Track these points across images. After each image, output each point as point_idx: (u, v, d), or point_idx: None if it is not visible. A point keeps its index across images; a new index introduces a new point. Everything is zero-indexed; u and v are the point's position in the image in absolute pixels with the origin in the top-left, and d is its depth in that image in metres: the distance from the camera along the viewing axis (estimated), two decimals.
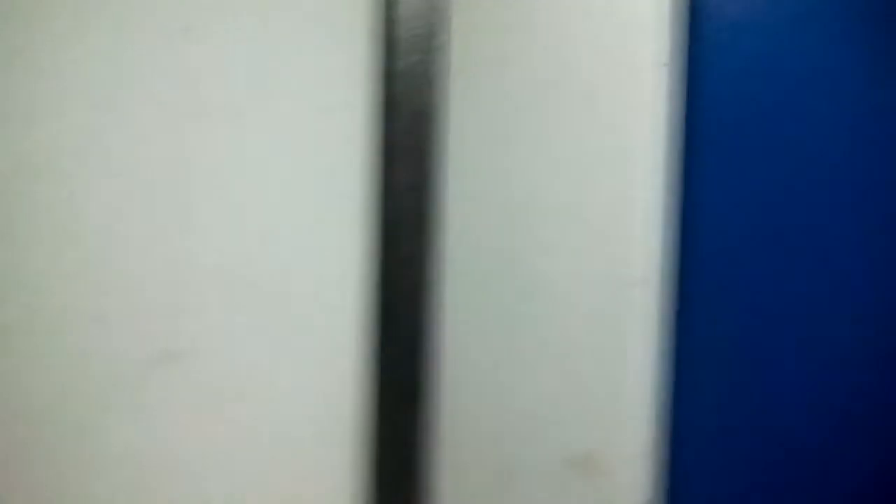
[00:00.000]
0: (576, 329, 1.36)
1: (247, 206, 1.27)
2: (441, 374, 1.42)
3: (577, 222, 1.36)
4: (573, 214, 1.36)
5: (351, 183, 1.34)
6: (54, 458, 1.17)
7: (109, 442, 1.19)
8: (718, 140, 1.37)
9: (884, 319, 1.32)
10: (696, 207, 1.38)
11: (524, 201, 1.39)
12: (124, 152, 1.18)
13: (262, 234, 1.28)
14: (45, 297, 1.16)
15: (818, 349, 1.34)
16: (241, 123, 1.26)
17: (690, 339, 1.38)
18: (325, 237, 1.33)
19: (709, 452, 1.38)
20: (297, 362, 1.31)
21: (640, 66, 1.33)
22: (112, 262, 1.19)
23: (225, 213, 1.26)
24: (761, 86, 1.35)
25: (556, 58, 1.37)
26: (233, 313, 1.26)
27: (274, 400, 1.30)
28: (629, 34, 1.34)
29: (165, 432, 1.23)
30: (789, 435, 1.36)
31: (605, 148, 1.35)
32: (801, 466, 1.35)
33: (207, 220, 1.25)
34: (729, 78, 1.36)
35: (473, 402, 1.42)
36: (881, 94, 1.31)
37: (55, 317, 1.16)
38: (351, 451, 1.36)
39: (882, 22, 1.32)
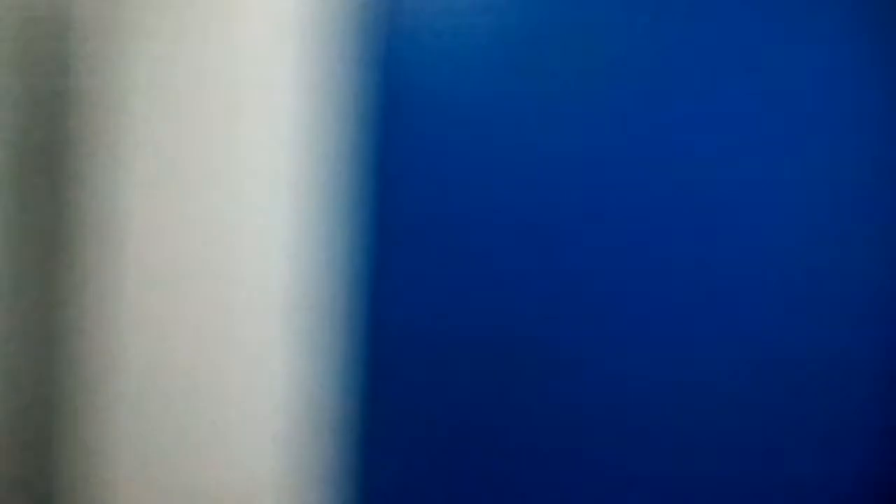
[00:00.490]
0: (242, 352, 1.33)
1: None
2: (93, 399, 1.39)
3: (239, 244, 1.33)
4: (236, 237, 1.33)
5: None
6: None
7: None
8: (406, 158, 1.31)
9: (571, 325, 1.26)
10: (383, 224, 1.32)
11: (187, 221, 1.35)
12: None
13: None
14: None
15: (515, 364, 1.27)
16: None
17: (379, 359, 1.33)
18: None
19: (400, 473, 1.32)
20: None
21: (303, 80, 1.30)
22: None
23: None
24: (455, 93, 1.29)
25: (210, 74, 1.34)
26: None
27: None
28: (282, 46, 1.31)
29: None
30: (486, 453, 1.29)
31: (264, 170, 1.33)
32: (497, 481, 1.29)
33: None
34: (419, 91, 1.30)
35: (131, 433, 1.37)
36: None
37: None
38: None
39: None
